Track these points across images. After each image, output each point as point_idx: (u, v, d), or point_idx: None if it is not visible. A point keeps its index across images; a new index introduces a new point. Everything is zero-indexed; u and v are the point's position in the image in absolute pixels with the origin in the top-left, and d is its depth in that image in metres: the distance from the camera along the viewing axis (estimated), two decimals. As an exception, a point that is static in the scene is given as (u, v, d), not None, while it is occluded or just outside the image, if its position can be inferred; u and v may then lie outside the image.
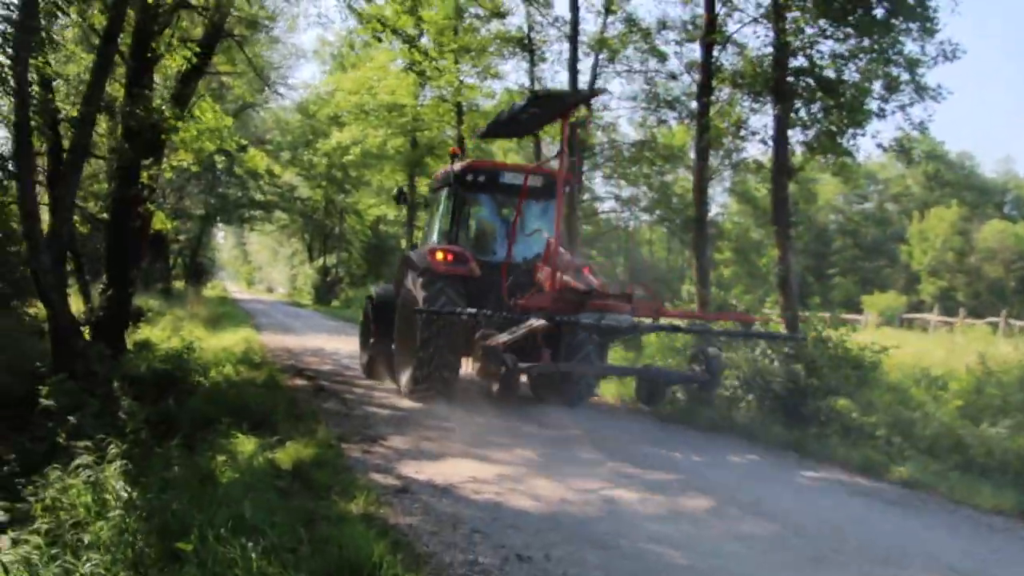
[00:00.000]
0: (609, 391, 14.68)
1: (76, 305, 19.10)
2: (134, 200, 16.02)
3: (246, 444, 8.53)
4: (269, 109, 38.46)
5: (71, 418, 8.95)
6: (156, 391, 10.64)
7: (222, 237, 70.38)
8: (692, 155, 17.84)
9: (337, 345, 21.08)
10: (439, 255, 11.85)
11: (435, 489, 7.31)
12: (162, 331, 20.57)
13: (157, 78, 20.14)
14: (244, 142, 21.83)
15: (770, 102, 13.02)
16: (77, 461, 7.84)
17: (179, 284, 45.15)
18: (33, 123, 10.96)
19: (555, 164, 11.60)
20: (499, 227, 13.06)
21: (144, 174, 16.61)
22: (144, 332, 20.33)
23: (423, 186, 33.03)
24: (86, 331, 18.23)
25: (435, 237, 13.59)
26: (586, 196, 27.72)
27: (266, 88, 20.74)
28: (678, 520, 6.70)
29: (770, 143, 13.77)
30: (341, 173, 41.81)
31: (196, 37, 18.45)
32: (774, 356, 12.37)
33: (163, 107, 15.02)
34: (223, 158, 22.27)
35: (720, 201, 48.15)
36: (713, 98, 15.49)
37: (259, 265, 69.41)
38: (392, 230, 40.88)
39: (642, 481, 8.01)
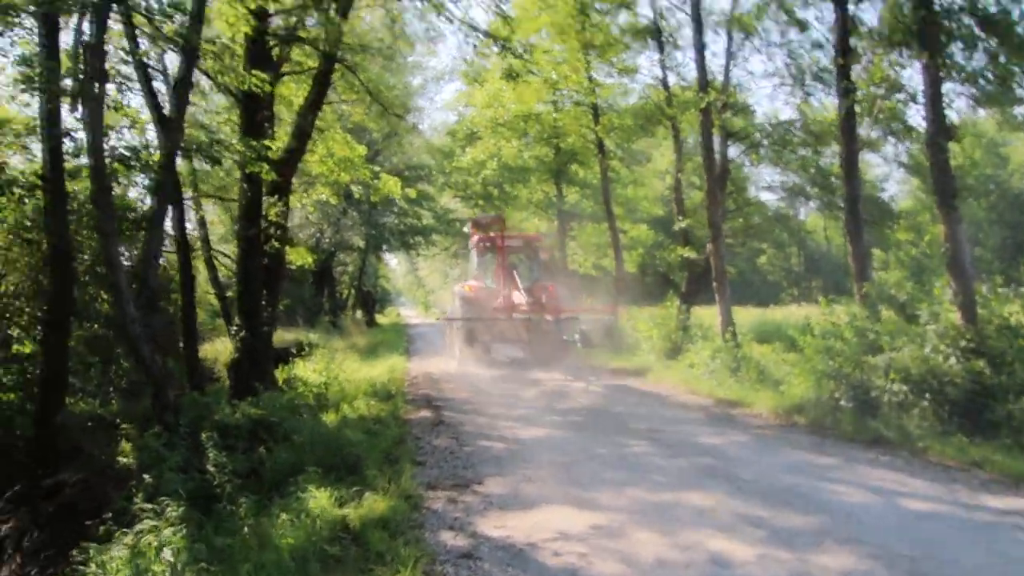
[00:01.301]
0: (764, 403, 12.92)
1: (226, 349, 19.24)
2: (258, 239, 15.63)
3: (320, 499, 7.56)
4: (421, 135, 38.44)
5: (146, 476, 8.32)
6: (250, 439, 9.90)
7: (395, 264, 71.82)
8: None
9: (481, 369, 20.12)
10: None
11: (507, 552, 6.04)
12: (317, 365, 20.24)
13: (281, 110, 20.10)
14: (377, 170, 21.27)
15: (916, 51, 10.92)
16: (138, 527, 7.16)
17: (358, 314, 46.05)
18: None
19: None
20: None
21: (272, 211, 16.30)
22: (299, 368, 20.17)
23: (571, 194, 31.82)
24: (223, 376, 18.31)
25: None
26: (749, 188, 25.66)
27: (388, 113, 19.94)
28: (801, 590, 5.11)
29: (922, 100, 11.68)
30: (496, 191, 41.22)
31: (308, 67, 18.14)
32: (950, 351, 10.32)
33: (270, 146, 14.45)
34: (360, 189, 21.84)
35: (897, 177, 44.25)
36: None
37: (432, 289, 70.15)
38: (548, 243, 39.79)
39: (769, 528, 6.39)
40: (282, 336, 27.31)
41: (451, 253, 51.07)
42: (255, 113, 15.66)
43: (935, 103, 10.84)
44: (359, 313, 45.00)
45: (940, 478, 8.18)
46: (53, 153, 10.86)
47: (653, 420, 11.92)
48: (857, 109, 13.76)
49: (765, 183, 28.78)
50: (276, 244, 16.37)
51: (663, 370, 17.93)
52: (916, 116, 21.22)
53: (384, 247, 41.09)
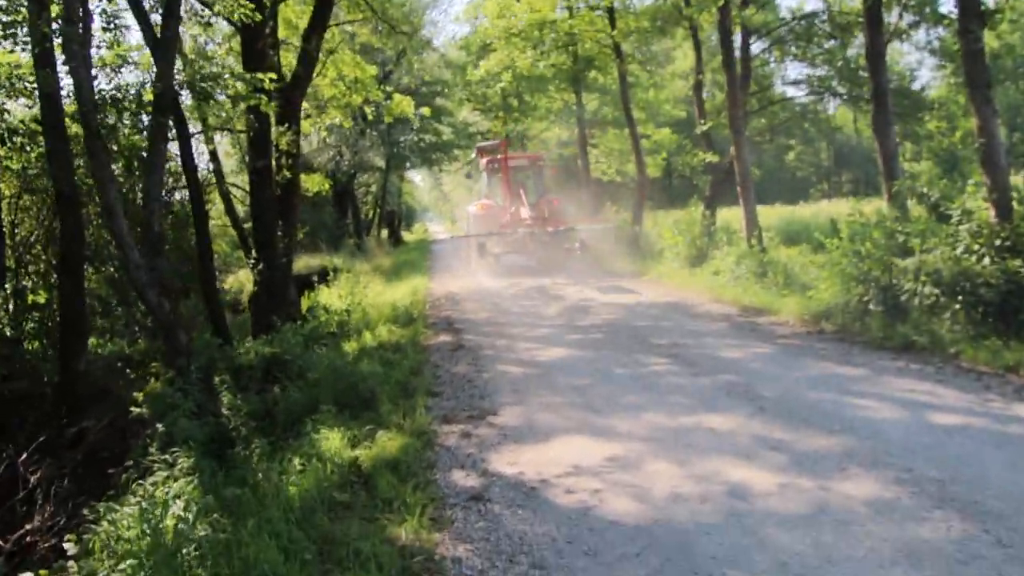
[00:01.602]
0: (790, 309, 12.56)
1: (249, 280, 19.08)
2: (268, 170, 15.30)
3: (332, 440, 7.40)
4: (436, 50, 37.47)
5: (159, 425, 8.20)
6: (264, 378, 9.76)
7: (420, 180, 71.23)
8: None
9: (503, 285, 19.90)
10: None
11: (518, 491, 5.82)
12: (341, 290, 20.07)
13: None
14: (389, 90, 20.70)
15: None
16: (151, 479, 7.08)
17: (383, 234, 45.84)
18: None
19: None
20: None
21: (282, 141, 15.93)
22: (323, 294, 20.06)
23: (591, 101, 30.98)
24: (245, 308, 18.22)
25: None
26: (774, 81, 24.68)
27: (395, 31, 19.27)
28: (821, 527, 4.83)
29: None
30: (516, 101, 40.32)
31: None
32: (983, 251, 9.83)
33: (263, 78, 13.94)
34: (372, 108, 21.30)
35: (929, 64, 42.61)
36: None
37: (457, 203, 69.63)
38: (570, 151, 38.94)
39: (791, 453, 6.12)
40: (307, 262, 27.21)
41: (470, 168, 50.55)
42: (255, 41, 15.15)
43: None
44: (384, 233, 44.78)
45: (972, 387, 7.83)
46: (50, 98, 10.48)
47: (675, 333, 11.62)
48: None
49: (790, 78, 27.67)
50: (287, 174, 16.03)
51: (688, 277, 17.56)
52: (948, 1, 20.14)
53: (406, 165, 40.55)
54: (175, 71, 11.23)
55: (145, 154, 15.71)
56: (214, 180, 18.79)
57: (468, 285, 20.59)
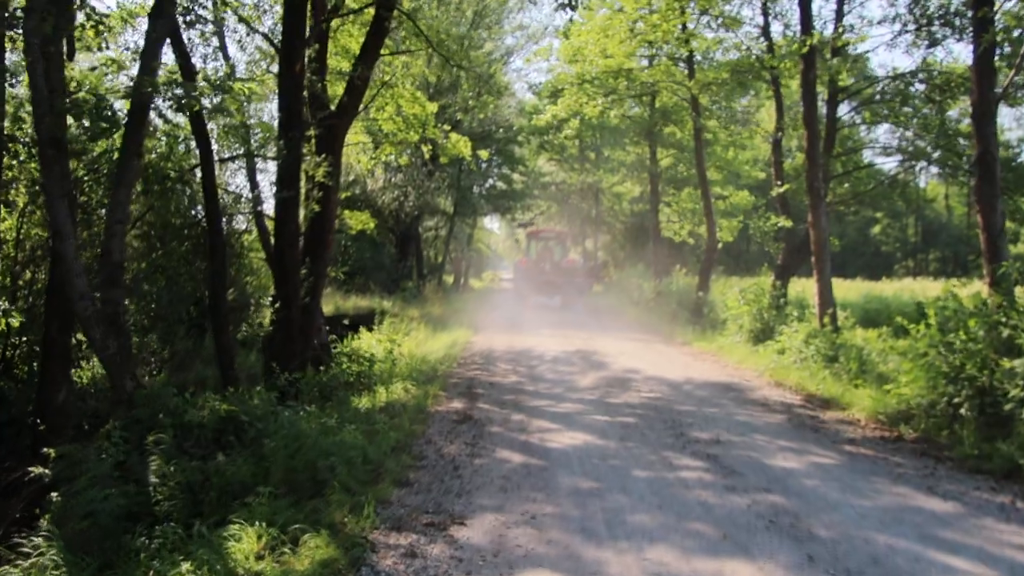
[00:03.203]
0: (863, 404, 10.36)
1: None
2: (292, 201, 13.79)
3: (246, 541, 5.61)
4: (513, 94, 36.18)
5: (56, 494, 6.53)
6: (215, 441, 8.02)
7: (497, 228, 69.96)
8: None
9: (549, 344, 17.98)
10: (520, 260, 34.45)
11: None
12: (383, 336, 18.46)
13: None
14: (447, 128, 19.21)
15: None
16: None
17: (448, 279, 44.42)
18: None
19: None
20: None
21: (319, 172, 14.50)
22: (362, 340, 18.52)
23: (665, 158, 29.06)
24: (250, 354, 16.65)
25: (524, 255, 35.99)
26: (859, 148, 22.36)
27: (450, 64, 17.80)
28: None
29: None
30: (593, 154, 38.72)
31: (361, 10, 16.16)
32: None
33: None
34: (429, 148, 19.82)
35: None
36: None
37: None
38: (642, 207, 36.95)
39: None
40: (356, 303, 25.79)
41: (549, 216, 49.04)
42: (292, 63, 13.77)
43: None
44: (451, 279, 43.36)
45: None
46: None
47: (721, 425, 9.52)
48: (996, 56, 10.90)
49: (879, 145, 25.25)
50: (315, 207, 14.53)
51: (750, 353, 15.38)
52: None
53: (473, 211, 39.15)
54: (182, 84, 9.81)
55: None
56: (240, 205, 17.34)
57: (512, 342, 18.74)
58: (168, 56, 13.10)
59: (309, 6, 14.58)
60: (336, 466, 7.28)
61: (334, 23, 16.74)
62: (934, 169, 39.93)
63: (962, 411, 8.88)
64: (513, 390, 12.18)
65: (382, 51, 16.43)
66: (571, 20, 25.22)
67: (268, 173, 22.92)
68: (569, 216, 45.61)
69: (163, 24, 8.80)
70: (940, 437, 8.77)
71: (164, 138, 13.77)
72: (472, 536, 5.81)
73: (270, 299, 14.90)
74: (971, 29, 13.22)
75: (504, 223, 65.23)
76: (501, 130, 35.35)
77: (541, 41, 31.65)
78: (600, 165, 37.53)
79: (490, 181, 39.12)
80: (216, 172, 16.28)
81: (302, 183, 14.55)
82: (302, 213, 14.89)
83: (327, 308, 25.10)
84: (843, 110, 19.43)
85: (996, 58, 11.02)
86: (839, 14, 17.28)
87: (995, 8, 10.35)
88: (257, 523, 5.88)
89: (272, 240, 15.36)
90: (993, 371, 8.74)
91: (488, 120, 31.50)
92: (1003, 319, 9.06)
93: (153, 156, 13.41)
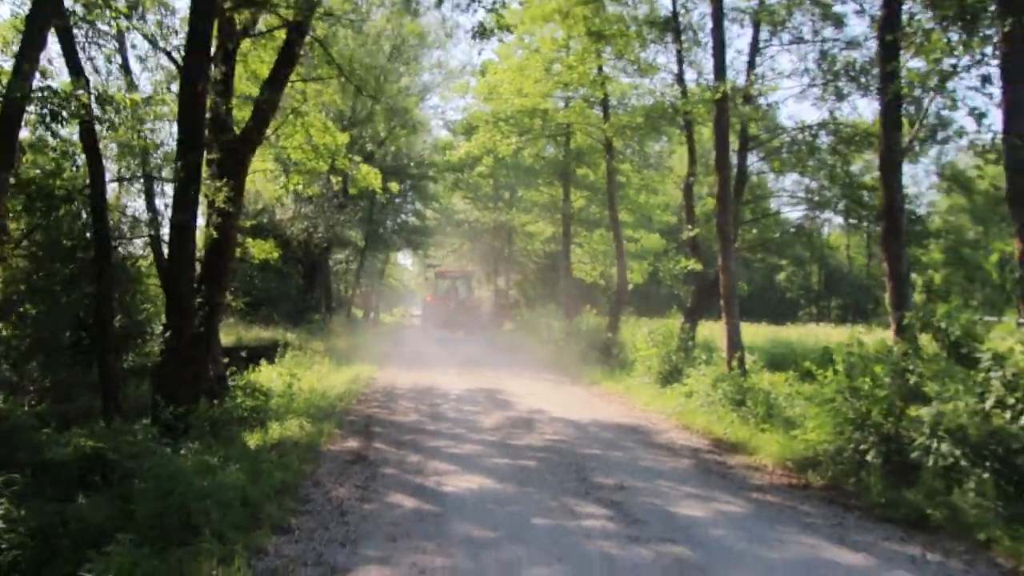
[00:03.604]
0: (770, 449, 10.14)
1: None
2: (188, 227, 13.01)
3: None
4: (428, 131, 35.85)
5: None
6: (78, 481, 7.24)
7: (410, 264, 69.13)
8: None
9: (455, 383, 17.45)
10: (428, 298, 39.79)
11: None
12: (282, 369, 17.63)
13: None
14: (358, 159, 18.69)
15: (993, 17, 8.15)
16: None
17: (358, 313, 43.45)
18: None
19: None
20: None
21: (219, 196, 13.79)
22: (261, 372, 17.66)
23: (578, 199, 29.02)
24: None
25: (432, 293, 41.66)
26: (758, 194, 22.61)
27: (364, 94, 17.35)
28: None
29: (995, 88, 8.93)
30: (508, 193, 38.60)
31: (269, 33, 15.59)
32: (1021, 407, 7.51)
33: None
34: (339, 179, 19.21)
35: (929, 195, 41.18)
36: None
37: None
38: (553, 248, 36.91)
39: None
40: (258, 334, 24.79)
41: (461, 254, 48.73)
42: (194, 83, 13.10)
43: (1014, 93, 8.02)
44: (359, 312, 42.47)
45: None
46: None
47: (626, 470, 9.13)
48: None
49: (787, 193, 25.72)
50: (213, 232, 13.80)
51: (657, 396, 15.13)
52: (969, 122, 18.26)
53: (383, 246, 38.51)
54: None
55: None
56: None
57: (417, 379, 18.16)
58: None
59: (216, 27, 14.00)
60: (210, 510, 6.62)
61: (244, 46, 16.13)
62: (838, 220, 41.03)
63: (868, 458, 8.71)
64: (412, 429, 11.60)
65: (292, 77, 15.89)
66: (484, 59, 25.19)
67: (168, 197, 21.86)
68: (482, 254, 45.40)
69: (41, 21, 8.11)
70: (848, 484, 8.56)
71: (53, 154, 12.84)
72: (351, 594, 5.25)
73: (161, 327, 14.07)
74: (876, 86, 13.51)
75: (417, 259, 64.65)
76: (415, 165, 34.97)
77: (459, 79, 31.41)
78: (513, 204, 37.43)
79: (403, 216, 38.61)
80: (112, 193, 15.45)
81: (203, 208, 13.86)
82: (202, 238, 14.18)
83: (228, 339, 24.03)
84: (752, 159, 19.62)
85: (901, 114, 11.13)
86: (751, 64, 17.47)
87: (899, 64, 10.42)
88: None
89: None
90: (899, 418, 8.61)
91: (402, 154, 31.09)
92: (909, 366, 8.97)
93: (38, 172, 12.50)
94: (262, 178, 22.21)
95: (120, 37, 15.47)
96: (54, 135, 12.62)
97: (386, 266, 47.95)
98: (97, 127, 12.68)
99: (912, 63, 11.85)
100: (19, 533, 6.35)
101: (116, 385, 13.17)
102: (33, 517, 6.48)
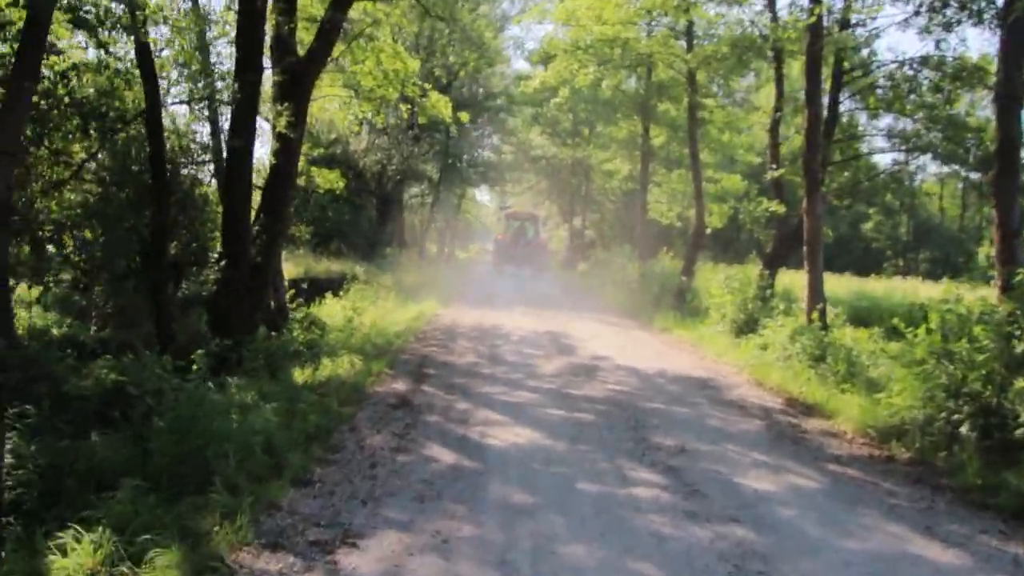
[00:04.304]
0: (849, 411, 9.17)
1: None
2: (244, 151, 12.46)
3: (82, 552, 4.41)
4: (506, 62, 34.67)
5: None
6: (98, 416, 6.76)
7: (487, 200, 68.39)
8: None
9: (520, 323, 16.76)
10: (499, 236, 40.32)
11: None
12: (347, 303, 17.21)
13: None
14: (428, 86, 17.84)
15: None
16: None
17: (432, 248, 43.04)
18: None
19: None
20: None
21: (279, 121, 13.24)
22: (325, 306, 17.30)
23: (658, 136, 27.66)
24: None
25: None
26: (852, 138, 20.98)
27: (431, 16, 16.48)
28: None
29: None
30: (587, 130, 37.26)
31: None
32: None
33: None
34: (408, 107, 18.40)
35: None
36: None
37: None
38: (632, 187, 35.52)
39: None
40: (328, 267, 24.48)
41: (537, 192, 47.78)
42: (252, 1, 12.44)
43: None
44: (433, 248, 42.08)
45: None
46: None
47: (690, 430, 8.30)
48: None
49: (880, 134, 23.87)
50: (273, 159, 13.24)
51: (730, 346, 14.16)
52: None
53: (459, 181, 37.76)
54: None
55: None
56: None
57: (481, 318, 17.51)
58: None
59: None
60: (229, 455, 6.06)
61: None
62: (931, 168, 38.62)
63: (963, 430, 7.68)
64: (466, 372, 10.95)
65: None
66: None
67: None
68: (559, 192, 44.30)
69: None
70: (937, 459, 7.56)
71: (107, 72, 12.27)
72: (359, 566, 4.59)
73: (214, 257, 13.68)
74: (993, 12, 12.05)
75: (494, 196, 63.87)
76: (492, 97, 33.92)
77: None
78: (591, 140, 36.12)
79: (479, 151, 37.75)
80: (181, 116, 14.98)
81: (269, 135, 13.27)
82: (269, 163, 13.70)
83: (296, 270, 23.79)
84: (844, 97, 18.06)
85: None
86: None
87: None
88: (103, 528, 4.68)
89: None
90: (1002, 389, 7.55)
91: (478, 85, 30.03)
92: (1016, 331, 7.86)
93: (91, 91, 11.98)
94: (335, 107, 21.62)
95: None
96: (101, 46, 12.13)
97: (462, 202, 47.21)
98: (152, 47, 12.15)
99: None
100: (28, 470, 5.92)
101: (169, 314, 12.83)
102: (44, 454, 6.03)
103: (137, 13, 10.56)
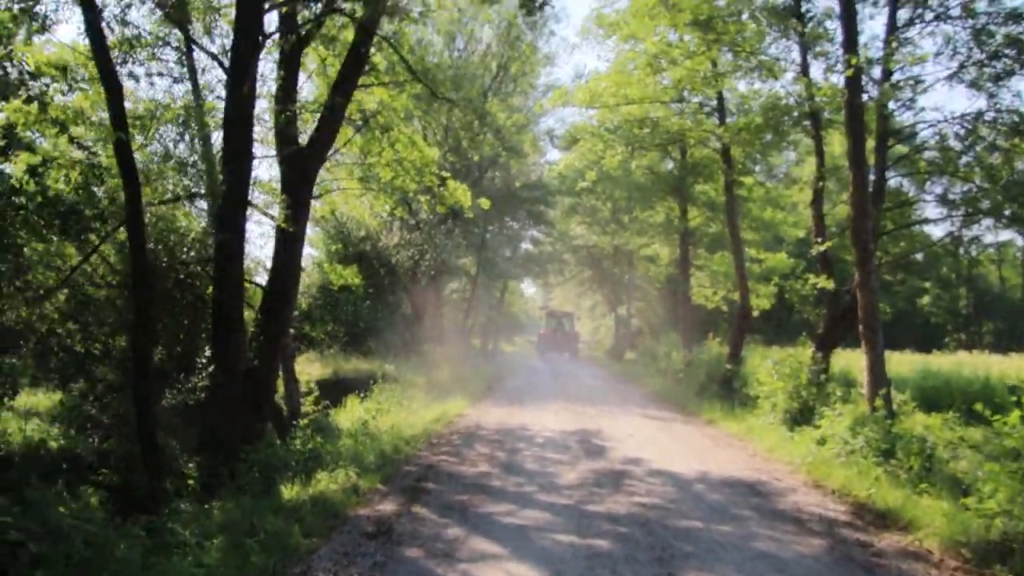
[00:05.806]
0: (931, 521, 7.28)
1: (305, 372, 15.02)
2: (230, 246, 11.22)
3: None
4: (538, 152, 33.69)
5: None
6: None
7: (533, 292, 67.23)
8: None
9: (548, 422, 15.01)
10: (541, 332, 47.76)
11: None
12: (370, 404, 15.81)
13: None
14: (446, 175, 16.69)
15: None
16: None
17: (476, 342, 41.58)
18: None
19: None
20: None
21: (279, 216, 12.21)
22: (347, 408, 15.98)
23: (696, 218, 26.12)
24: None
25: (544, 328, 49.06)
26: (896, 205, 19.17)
27: (439, 97, 15.45)
28: None
29: None
30: (627, 217, 35.99)
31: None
32: None
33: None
34: (427, 198, 17.22)
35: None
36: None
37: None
38: (675, 271, 33.91)
39: None
40: (356, 366, 23.16)
41: (579, 282, 46.90)
42: (240, 83, 11.37)
43: None
44: (476, 342, 40.62)
45: None
46: None
47: (731, 558, 6.48)
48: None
49: (932, 200, 22.01)
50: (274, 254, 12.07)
51: (783, 440, 12.25)
52: None
53: (498, 274, 36.50)
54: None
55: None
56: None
57: (508, 417, 15.82)
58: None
59: (279, 20, 12.55)
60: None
61: (320, 53, 14.55)
62: (988, 238, 36.30)
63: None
64: (472, 486, 9.22)
65: (367, 81, 14.11)
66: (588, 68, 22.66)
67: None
68: (602, 281, 43.06)
69: None
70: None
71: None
72: None
73: (201, 363, 12.38)
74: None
75: (538, 288, 62.71)
76: (527, 188, 32.89)
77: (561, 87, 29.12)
78: (628, 227, 34.81)
79: (520, 245, 36.60)
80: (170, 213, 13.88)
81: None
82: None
83: (324, 371, 22.54)
84: (891, 164, 16.36)
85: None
86: (890, 28, 14.36)
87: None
88: None
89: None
90: None
91: (511, 178, 28.97)
92: None
93: (61, 184, 10.79)
94: (363, 203, 20.68)
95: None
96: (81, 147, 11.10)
97: (504, 295, 45.99)
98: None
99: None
100: None
101: (151, 427, 11.41)
102: None
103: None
